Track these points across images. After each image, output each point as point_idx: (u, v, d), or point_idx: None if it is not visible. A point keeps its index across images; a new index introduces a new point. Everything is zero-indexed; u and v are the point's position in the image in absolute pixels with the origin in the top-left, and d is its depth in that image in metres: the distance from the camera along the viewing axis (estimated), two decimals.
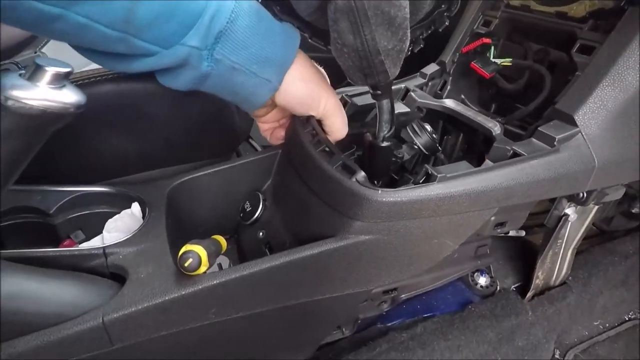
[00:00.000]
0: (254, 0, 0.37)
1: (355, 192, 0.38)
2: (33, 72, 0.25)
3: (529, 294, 0.64)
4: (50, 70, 0.25)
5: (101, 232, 0.49)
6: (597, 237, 0.82)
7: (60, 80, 0.25)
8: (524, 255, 0.74)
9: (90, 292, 0.36)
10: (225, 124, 0.62)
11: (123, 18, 0.29)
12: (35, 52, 0.91)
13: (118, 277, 0.40)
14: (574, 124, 0.43)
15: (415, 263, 0.45)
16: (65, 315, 0.34)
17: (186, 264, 0.36)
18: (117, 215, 0.49)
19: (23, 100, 0.24)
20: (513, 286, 0.68)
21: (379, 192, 0.38)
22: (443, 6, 0.39)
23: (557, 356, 0.65)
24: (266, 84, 0.39)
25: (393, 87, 0.57)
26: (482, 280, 0.67)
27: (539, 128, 0.44)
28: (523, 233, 0.76)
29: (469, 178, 0.40)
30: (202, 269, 0.38)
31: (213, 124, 0.60)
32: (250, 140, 0.99)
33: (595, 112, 0.43)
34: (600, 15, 0.45)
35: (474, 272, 0.67)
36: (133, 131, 0.53)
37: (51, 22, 0.26)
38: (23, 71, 0.25)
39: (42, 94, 0.24)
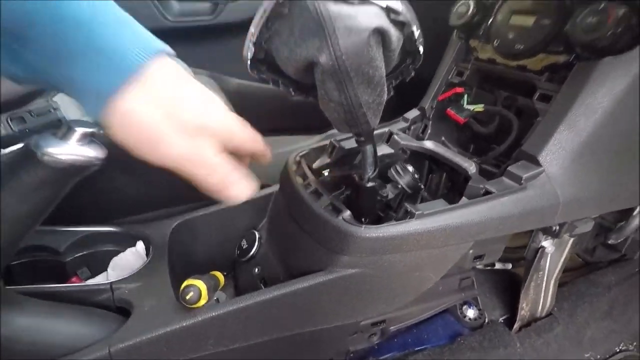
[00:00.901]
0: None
1: (341, 229, 0.42)
2: (65, 132, 0.29)
3: (516, 326, 0.67)
4: (79, 131, 0.29)
5: (106, 269, 0.52)
6: (582, 269, 0.85)
7: (87, 138, 0.30)
8: (510, 288, 0.76)
9: (98, 324, 0.39)
10: None
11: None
12: (47, 101, 0.98)
13: (124, 310, 0.43)
14: (538, 164, 0.48)
15: (400, 295, 0.48)
16: (74, 346, 0.37)
17: (187, 297, 0.40)
18: (121, 254, 0.53)
19: (56, 156, 0.28)
20: (501, 318, 0.71)
21: (363, 228, 0.42)
22: (408, 60, 0.45)
23: None
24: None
25: (378, 131, 0.63)
26: (471, 313, 0.69)
27: (508, 168, 0.49)
28: (509, 266, 0.79)
29: (444, 215, 0.44)
30: (202, 302, 0.41)
31: None
32: None
33: (555, 154, 0.48)
34: (554, 68, 0.51)
35: (462, 305, 0.70)
36: (137, 174, 0.58)
37: None
38: (55, 131, 0.30)
39: (71, 150, 0.29)
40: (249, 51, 0.42)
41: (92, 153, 0.30)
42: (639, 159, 0.50)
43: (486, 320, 0.69)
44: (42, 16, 0.26)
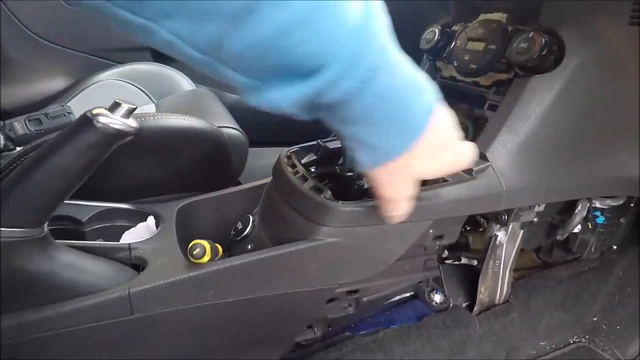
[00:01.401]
0: (399, 65, 0.30)
1: (323, 204, 0.52)
2: (113, 106, 0.39)
3: (476, 308, 0.75)
4: (124, 106, 0.39)
5: (119, 241, 0.61)
6: (539, 268, 0.94)
7: (129, 113, 0.40)
8: (474, 280, 0.85)
9: (119, 272, 0.48)
10: (222, 164, 0.77)
11: (212, 44, 0.25)
12: (62, 106, 1.08)
13: (138, 267, 0.51)
14: (486, 159, 0.59)
15: (371, 264, 0.58)
16: (102, 285, 0.45)
17: (194, 252, 0.49)
18: (133, 228, 0.61)
19: (107, 123, 0.38)
20: (464, 304, 0.80)
21: (340, 203, 0.52)
22: None
23: None
24: (359, 160, 0.34)
25: None
26: (437, 298, 0.78)
27: None
28: (475, 262, 0.89)
29: None
30: (206, 258, 0.50)
31: (216, 161, 0.75)
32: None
33: (500, 151, 0.59)
34: (499, 83, 0.63)
35: (430, 291, 0.79)
36: (151, 163, 0.67)
37: (140, 32, 0.25)
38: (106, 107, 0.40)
39: (119, 120, 0.39)
40: None
41: (132, 123, 0.40)
42: (569, 157, 0.61)
43: (451, 305, 0.78)
44: (362, 96, 0.28)
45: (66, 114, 1.04)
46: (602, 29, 0.55)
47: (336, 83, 0.27)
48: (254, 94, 0.28)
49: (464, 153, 0.40)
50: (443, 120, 0.35)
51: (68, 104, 1.06)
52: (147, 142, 0.64)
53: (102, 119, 0.38)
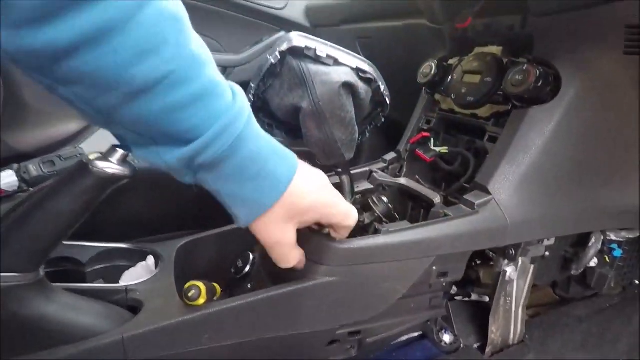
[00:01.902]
0: (260, 137, 0.38)
1: (321, 242, 0.51)
2: (109, 151, 0.40)
3: (488, 350, 0.71)
4: (119, 151, 0.40)
5: (118, 282, 0.60)
6: (556, 304, 0.90)
7: (124, 158, 0.41)
8: (486, 318, 0.81)
9: (114, 316, 0.47)
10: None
11: (109, 109, 0.31)
12: (75, 147, 1.12)
13: (134, 310, 0.51)
14: (488, 192, 0.58)
15: (373, 304, 0.56)
16: (94, 331, 0.45)
17: (189, 294, 0.48)
18: (132, 268, 0.62)
19: (102, 168, 0.39)
20: (475, 345, 0.75)
21: (337, 242, 0.51)
22: (378, 109, 0.57)
23: None
24: (236, 216, 0.41)
25: (360, 170, 0.74)
26: (447, 338, 0.74)
27: (464, 197, 0.59)
28: (486, 299, 0.85)
29: (407, 231, 0.53)
30: (201, 300, 0.49)
31: (214, 199, 0.75)
32: None
33: (501, 183, 0.58)
34: (498, 115, 0.62)
35: (439, 331, 0.75)
36: (151, 201, 0.68)
37: (47, 89, 0.30)
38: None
39: (113, 165, 0.40)
40: (249, 101, 0.54)
41: (126, 168, 0.41)
42: (573, 188, 0.59)
43: (462, 345, 0.74)
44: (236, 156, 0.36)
45: (78, 155, 1.08)
46: (596, 59, 0.54)
47: (210, 145, 0.34)
48: (146, 150, 0.36)
49: (336, 205, 0.46)
50: (310, 179, 0.43)
51: (81, 146, 1.11)
52: (148, 180, 0.66)
53: (98, 164, 0.39)
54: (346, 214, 0.47)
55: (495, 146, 0.60)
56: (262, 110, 0.59)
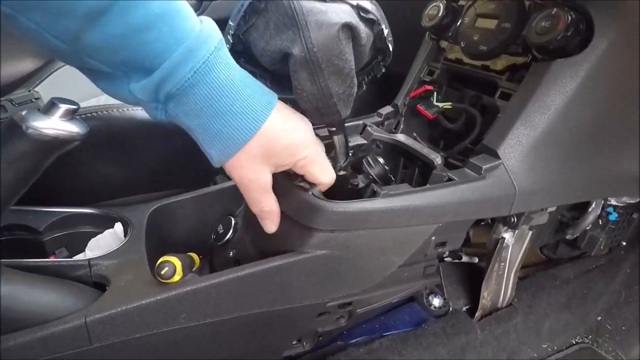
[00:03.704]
0: (231, 66, 0.36)
1: (311, 202, 0.45)
2: (49, 107, 0.32)
3: (477, 314, 0.70)
4: (63, 107, 0.32)
5: (84, 250, 0.54)
6: (544, 264, 0.89)
7: (69, 114, 0.32)
8: (476, 280, 0.80)
9: (76, 296, 0.41)
10: (201, 158, 0.69)
11: (71, 36, 0.29)
12: (29, 91, 0.98)
13: (100, 286, 0.45)
14: (497, 156, 0.52)
15: (366, 278, 0.51)
16: (52, 315, 0.39)
17: (162, 272, 0.42)
18: (100, 235, 0.55)
19: (39, 129, 0.30)
20: (464, 307, 0.74)
21: (330, 202, 0.45)
22: (379, 57, 0.49)
23: None
24: (210, 154, 0.38)
25: (352, 123, 0.67)
26: (436, 302, 0.73)
27: (469, 159, 0.53)
28: (476, 260, 0.83)
29: (407, 196, 0.47)
30: (176, 277, 0.43)
31: (192, 155, 0.67)
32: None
33: (513, 147, 0.52)
34: (513, 68, 0.55)
35: (428, 294, 0.73)
36: (118, 159, 0.59)
37: (6, 20, 0.28)
38: (41, 107, 0.32)
39: (55, 124, 0.31)
40: (227, 43, 0.44)
41: (73, 128, 0.32)
42: (589, 154, 0.54)
43: (450, 309, 0.73)
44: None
45: (34, 100, 0.95)
46: (637, 6, 0.47)
47: (174, 72, 0.32)
48: (113, 83, 0.34)
49: (315, 154, 0.43)
50: (289, 117, 0.41)
51: (36, 89, 0.97)
52: (113, 136, 0.57)
53: (34, 124, 0.30)
54: (325, 167, 0.44)
55: (508, 104, 0.54)
56: (243, 54, 0.49)
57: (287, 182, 0.48)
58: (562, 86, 0.49)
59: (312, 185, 0.47)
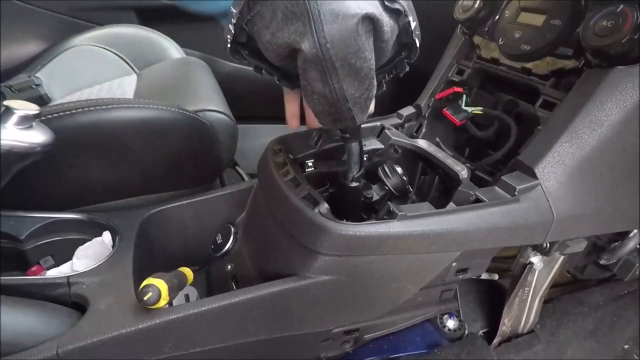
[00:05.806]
0: None
1: (316, 222, 0.39)
2: (2, 114, 0.26)
3: (495, 341, 0.64)
4: (18, 112, 0.26)
5: (71, 259, 0.49)
6: (569, 286, 0.82)
7: (28, 121, 0.27)
8: (494, 300, 0.74)
9: (49, 321, 0.37)
10: (207, 152, 0.64)
11: None
12: (30, 77, 0.93)
13: (80, 306, 0.40)
14: (534, 176, 0.45)
15: (375, 306, 0.46)
16: (21, 344, 0.34)
17: (145, 298, 0.37)
18: (87, 243, 0.50)
19: None
20: (481, 331, 0.68)
21: (339, 224, 0.39)
22: (403, 53, 0.41)
23: None
24: None
25: (369, 125, 0.60)
26: (451, 324, 0.67)
27: (501, 177, 0.46)
28: (496, 277, 0.77)
29: (428, 219, 0.41)
30: (162, 302, 0.38)
31: (194, 152, 0.61)
32: (237, 167, 1.01)
33: (554, 167, 0.45)
34: (561, 74, 0.47)
35: (442, 315, 0.67)
36: (108, 159, 0.54)
37: None
38: None
39: (9, 134, 0.26)
40: (229, 33, 0.38)
41: (33, 138, 0.27)
42: (636, 179, 0.47)
43: (466, 332, 0.67)
44: None
45: (34, 86, 0.91)
46: None
47: None
48: None
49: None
50: None
51: (37, 74, 0.93)
52: (101, 134, 0.51)
53: None
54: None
55: (551, 115, 0.46)
56: (247, 47, 0.43)
57: (290, 194, 0.42)
58: (620, 99, 0.42)
59: (320, 201, 0.41)
